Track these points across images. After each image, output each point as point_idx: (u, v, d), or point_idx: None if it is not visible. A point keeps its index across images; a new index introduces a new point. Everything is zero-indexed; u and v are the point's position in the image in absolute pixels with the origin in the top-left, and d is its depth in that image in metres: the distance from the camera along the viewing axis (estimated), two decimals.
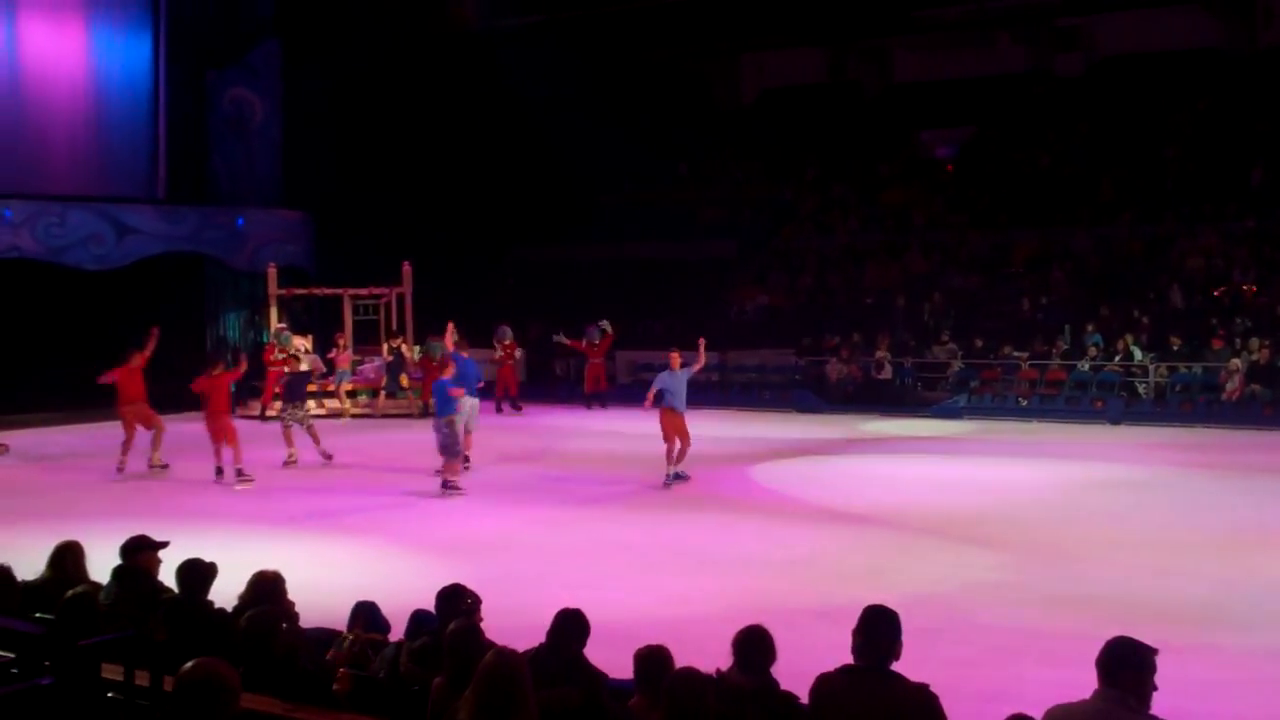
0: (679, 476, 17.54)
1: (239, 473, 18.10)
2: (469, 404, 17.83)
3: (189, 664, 4.51)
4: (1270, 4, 34.91)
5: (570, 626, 6.74)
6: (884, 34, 38.01)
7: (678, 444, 17.49)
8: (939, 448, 22.03)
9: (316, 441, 19.77)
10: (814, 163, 37.62)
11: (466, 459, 18.13)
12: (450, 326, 18.72)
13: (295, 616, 7.34)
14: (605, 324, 27.51)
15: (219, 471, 18.30)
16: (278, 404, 26.52)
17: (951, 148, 37.16)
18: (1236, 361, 24.80)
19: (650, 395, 17.84)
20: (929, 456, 20.99)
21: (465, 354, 18.57)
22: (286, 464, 19.54)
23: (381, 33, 31.85)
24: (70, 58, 28.27)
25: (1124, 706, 5.07)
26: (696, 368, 18.41)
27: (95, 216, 26.87)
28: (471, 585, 7.34)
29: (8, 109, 27.07)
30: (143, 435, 19.05)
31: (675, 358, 17.86)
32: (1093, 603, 11.05)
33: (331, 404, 27.24)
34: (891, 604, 5.81)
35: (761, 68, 41.98)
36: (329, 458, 19.74)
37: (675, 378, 17.68)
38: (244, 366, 21.48)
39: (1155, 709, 5.15)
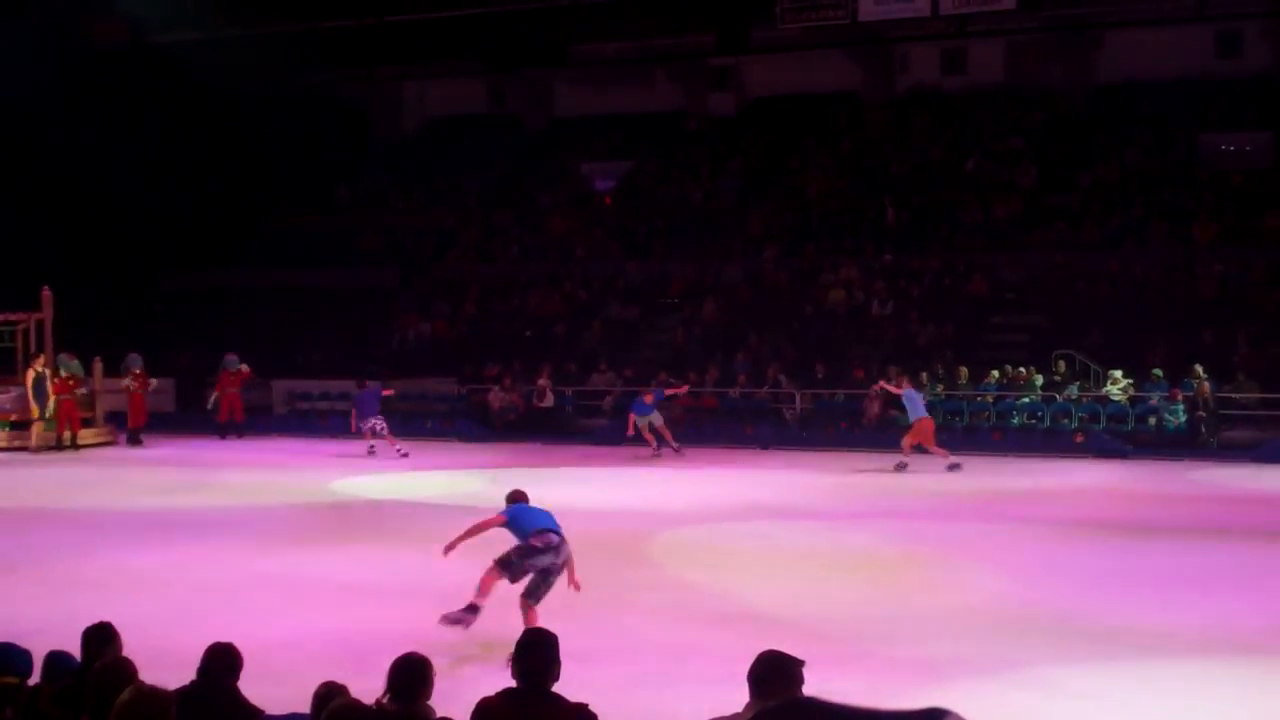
0: None
1: None
2: None
3: None
4: (905, 53, 37.27)
5: (221, 661, 6.53)
6: (543, 66, 38.54)
7: None
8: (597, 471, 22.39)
9: None
10: (476, 192, 37.76)
11: None
12: None
13: None
14: (234, 357, 27.83)
15: None
16: None
17: (611, 181, 38.01)
18: (876, 389, 26.20)
19: None
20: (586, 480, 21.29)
21: None
22: None
23: (16, 51, 30.00)
24: None
25: None
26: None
27: None
28: (123, 623, 7.00)
29: None
30: None
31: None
32: (746, 621, 11.45)
33: None
34: (554, 627, 5.89)
35: (424, 96, 41.91)
36: None
37: None
38: None
39: None
